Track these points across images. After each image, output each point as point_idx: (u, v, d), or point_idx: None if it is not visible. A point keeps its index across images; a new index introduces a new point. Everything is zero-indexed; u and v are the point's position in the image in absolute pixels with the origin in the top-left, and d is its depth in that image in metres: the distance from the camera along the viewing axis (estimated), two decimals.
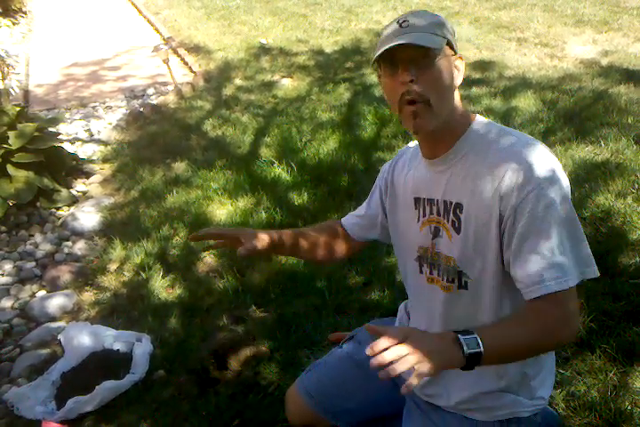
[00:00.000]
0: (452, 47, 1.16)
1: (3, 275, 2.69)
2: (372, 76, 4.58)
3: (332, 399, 1.57)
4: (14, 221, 3.05)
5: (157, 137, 3.95)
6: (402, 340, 0.99)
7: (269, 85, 4.68)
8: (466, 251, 1.19)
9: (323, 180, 3.19)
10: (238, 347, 2.11)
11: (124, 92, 4.85)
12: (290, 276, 2.46)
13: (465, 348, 1.00)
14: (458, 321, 1.27)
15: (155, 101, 4.56)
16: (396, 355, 0.99)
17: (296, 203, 3.02)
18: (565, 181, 1.12)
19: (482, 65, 4.55)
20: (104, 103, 4.65)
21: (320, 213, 2.89)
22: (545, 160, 1.12)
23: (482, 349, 1.00)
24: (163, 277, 2.56)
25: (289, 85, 4.67)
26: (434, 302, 1.32)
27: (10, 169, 3.09)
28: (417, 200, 1.31)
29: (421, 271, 1.35)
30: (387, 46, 1.12)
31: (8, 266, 2.74)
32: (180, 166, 3.55)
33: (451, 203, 1.22)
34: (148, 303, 2.41)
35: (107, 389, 1.92)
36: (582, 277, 1.11)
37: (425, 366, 0.98)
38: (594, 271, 1.13)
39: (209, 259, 2.67)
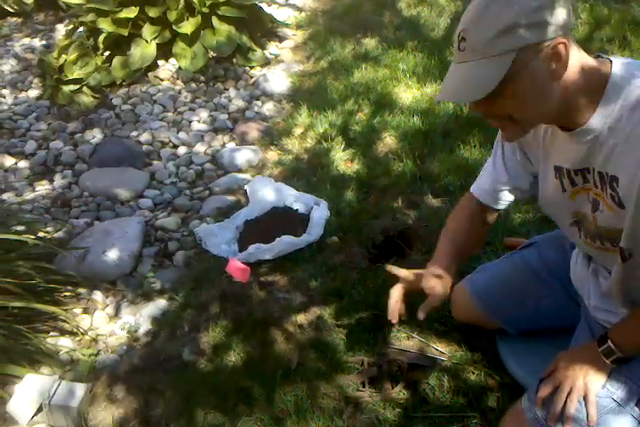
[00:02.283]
0: (540, 40, 0.88)
1: (199, 121, 2.75)
2: None
3: (502, 303, 1.47)
4: (212, 73, 3.05)
5: (351, 9, 3.67)
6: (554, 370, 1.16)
7: None
8: (629, 226, 1.00)
9: None
10: (409, 231, 2.03)
11: None
12: (471, 171, 2.26)
13: (605, 360, 1.11)
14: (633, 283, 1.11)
15: None
16: (560, 404, 1.11)
17: None
18: None
19: None
20: None
21: None
22: None
23: (619, 354, 1.10)
24: (343, 150, 2.48)
25: None
26: (607, 260, 1.14)
27: (214, 21, 3.03)
28: (558, 169, 1.08)
29: (580, 236, 1.15)
30: (443, 94, 0.98)
31: (204, 114, 2.78)
32: (370, 43, 3.30)
33: (607, 174, 0.98)
34: (327, 172, 2.35)
35: (285, 242, 1.94)
36: None
37: (589, 391, 1.10)
38: None
39: (389, 140, 2.53)
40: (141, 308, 1.87)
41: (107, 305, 1.89)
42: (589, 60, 0.97)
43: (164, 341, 1.74)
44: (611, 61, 0.97)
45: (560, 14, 0.88)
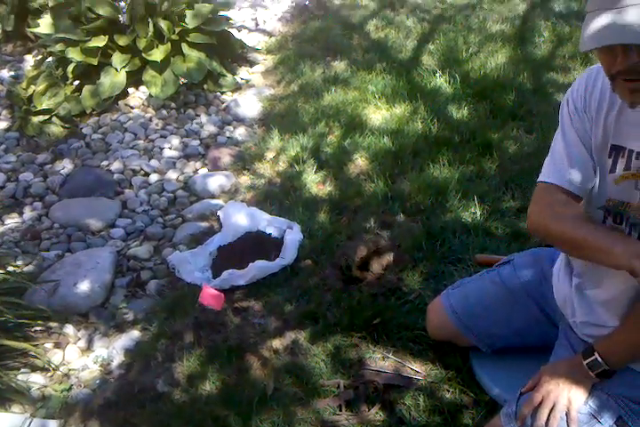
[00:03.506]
0: None
1: (170, 148, 2.77)
2: None
3: (477, 320, 1.49)
4: (183, 99, 3.08)
5: (320, 33, 3.75)
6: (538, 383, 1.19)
7: None
8: None
9: (486, 96, 2.91)
10: (383, 251, 2.06)
11: None
12: (441, 190, 2.31)
13: (590, 373, 1.15)
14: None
15: None
16: (543, 419, 1.13)
17: (454, 117, 2.79)
18: None
19: None
20: None
21: (479, 131, 2.65)
22: None
23: (605, 367, 1.14)
24: (315, 172, 2.51)
25: None
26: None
27: (184, 48, 3.08)
28: (616, 148, 1.08)
29: (605, 222, 1.16)
30: (595, 44, 0.89)
31: (175, 141, 2.80)
32: (339, 65, 3.37)
33: None
34: (300, 195, 2.39)
35: (259, 267, 1.96)
36: None
37: (572, 407, 1.13)
38: None
39: (360, 161, 2.57)
40: (114, 340, 1.86)
41: (78, 339, 1.88)
42: None
43: (137, 373, 1.74)
44: None
45: None
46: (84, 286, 1.96)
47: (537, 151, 2.46)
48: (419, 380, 1.60)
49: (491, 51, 3.33)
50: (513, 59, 3.23)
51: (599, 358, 1.13)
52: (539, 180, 1.22)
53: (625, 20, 0.87)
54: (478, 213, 2.19)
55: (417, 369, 1.63)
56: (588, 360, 1.15)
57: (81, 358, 1.83)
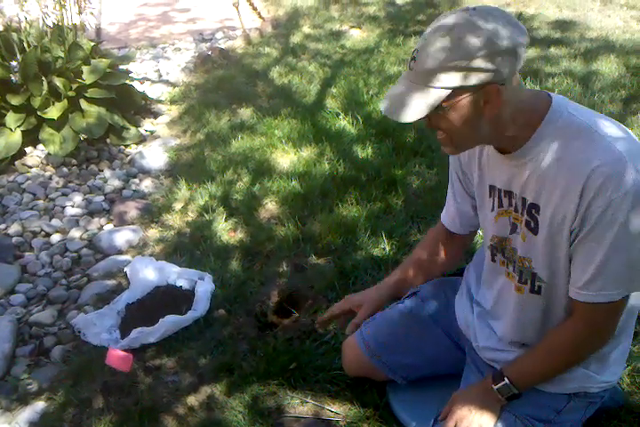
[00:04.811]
0: (477, 83, 0.97)
1: (73, 206, 2.73)
2: None
3: (389, 353, 1.55)
4: (85, 155, 3.07)
5: (224, 82, 3.88)
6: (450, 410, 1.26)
7: (338, 35, 4.51)
8: (541, 253, 1.13)
9: (388, 135, 3.08)
10: (297, 294, 2.10)
11: (193, 35, 4.76)
12: (350, 228, 2.41)
13: (500, 397, 1.22)
14: (529, 322, 1.24)
15: (223, 46, 4.47)
16: None
17: (360, 156, 2.94)
18: None
19: (562, 25, 4.26)
20: (173, 45, 4.58)
21: (383, 169, 2.80)
22: (634, 170, 0.99)
23: (515, 391, 1.21)
24: (225, 220, 2.55)
25: (358, 36, 4.49)
26: (507, 297, 1.27)
27: (83, 104, 3.09)
28: (492, 188, 1.22)
29: (494, 260, 1.29)
30: (383, 107, 1.05)
31: (78, 198, 2.77)
32: (245, 112, 3.48)
33: (527, 200, 1.13)
34: (211, 244, 2.41)
35: (169, 322, 1.94)
36: (631, 291, 1.10)
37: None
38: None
39: (270, 206, 2.64)
40: (17, 414, 1.77)
41: None
42: (530, 97, 1.08)
43: None
44: (551, 98, 1.08)
45: (501, 62, 0.96)
46: None
47: (438, 185, 2.62)
48: (338, 422, 1.63)
49: None
50: None
51: (509, 383, 1.21)
52: None
53: (397, 96, 1.03)
54: (387, 248, 2.29)
55: (336, 411, 1.66)
56: (498, 385, 1.22)
57: None
